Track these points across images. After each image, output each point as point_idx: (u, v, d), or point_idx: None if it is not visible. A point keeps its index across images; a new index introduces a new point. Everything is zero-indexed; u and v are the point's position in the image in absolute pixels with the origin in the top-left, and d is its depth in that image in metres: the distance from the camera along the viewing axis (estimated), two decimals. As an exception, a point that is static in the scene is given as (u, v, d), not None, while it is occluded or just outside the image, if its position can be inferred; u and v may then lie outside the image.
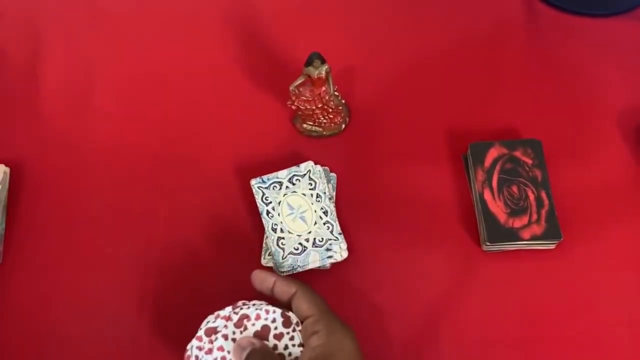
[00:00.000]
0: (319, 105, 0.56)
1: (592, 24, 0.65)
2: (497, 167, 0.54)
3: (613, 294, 0.52)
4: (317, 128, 0.59)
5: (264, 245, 0.54)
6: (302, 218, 0.54)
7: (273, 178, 0.55)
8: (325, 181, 0.55)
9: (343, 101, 0.59)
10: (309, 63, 0.52)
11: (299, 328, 0.44)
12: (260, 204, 0.54)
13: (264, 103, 0.62)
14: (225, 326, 0.44)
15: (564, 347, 0.50)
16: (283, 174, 0.55)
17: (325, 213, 0.54)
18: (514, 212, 0.52)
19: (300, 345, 0.43)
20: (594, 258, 0.53)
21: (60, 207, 0.58)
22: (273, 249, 0.53)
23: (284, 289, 0.44)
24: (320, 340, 0.41)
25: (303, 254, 0.52)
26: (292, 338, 0.43)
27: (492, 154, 0.55)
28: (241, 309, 0.45)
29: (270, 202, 0.54)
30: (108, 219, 0.57)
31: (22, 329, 0.53)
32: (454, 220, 0.55)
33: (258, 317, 0.44)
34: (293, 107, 0.57)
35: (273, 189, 0.55)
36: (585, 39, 0.65)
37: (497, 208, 0.53)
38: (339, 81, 0.59)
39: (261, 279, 0.46)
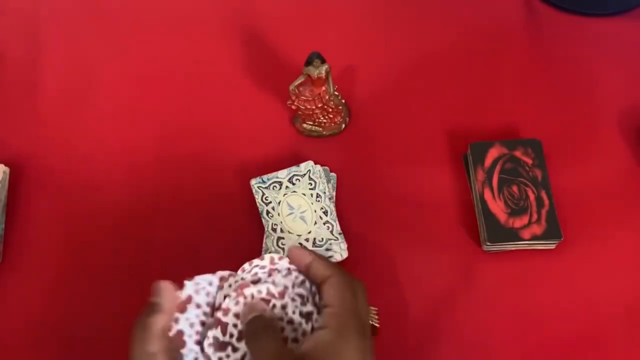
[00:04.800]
0: (319, 105, 0.56)
1: (592, 24, 0.65)
2: (498, 167, 0.54)
3: (613, 294, 0.52)
4: (317, 128, 0.59)
5: (264, 245, 0.54)
6: (302, 218, 0.54)
7: (273, 178, 0.55)
8: (325, 181, 0.55)
9: (343, 101, 0.59)
10: (309, 63, 0.52)
11: None
12: (260, 204, 0.54)
13: (264, 103, 0.62)
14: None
15: (564, 347, 0.50)
16: (283, 174, 0.55)
17: (325, 213, 0.54)
18: (514, 212, 0.52)
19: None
20: (594, 258, 0.53)
21: (60, 207, 0.58)
22: (273, 249, 0.53)
23: (319, 272, 0.41)
24: (326, 337, 0.38)
25: (303, 254, 0.52)
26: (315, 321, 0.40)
27: (492, 154, 0.55)
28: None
29: (270, 202, 0.54)
30: (108, 219, 0.57)
31: (22, 329, 0.53)
32: (454, 220, 0.55)
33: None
34: (293, 107, 0.57)
35: (273, 188, 0.55)
36: (585, 39, 0.65)
37: (498, 208, 0.53)
38: (339, 81, 0.59)
39: (297, 255, 0.42)
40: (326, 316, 0.39)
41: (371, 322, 0.42)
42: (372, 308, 0.43)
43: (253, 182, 0.55)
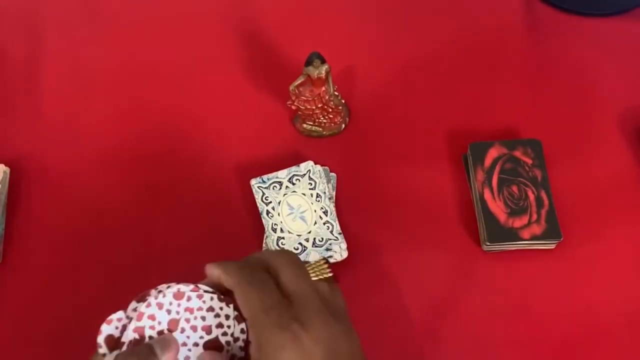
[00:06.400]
0: (319, 105, 0.56)
1: (592, 24, 0.65)
2: (497, 167, 0.54)
3: (613, 294, 0.52)
4: (317, 128, 0.59)
5: (264, 245, 0.54)
6: (302, 218, 0.54)
7: (273, 178, 0.55)
8: (325, 181, 0.55)
9: (343, 101, 0.59)
10: (308, 63, 0.52)
11: None
12: (260, 204, 0.54)
13: (264, 103, 0.62)
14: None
15: (564, 347, 0.50)
16: (283, 174, 0.55)
17: (325, 213, 0.54)
18: (514, 212, 0.52)
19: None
20: (594, 258, 0.53)
21: (60, 207, 0.58)
22: (273, 249, 0.53)
23: (227, 285, 0.39)
24: (254, 355, 0.35)
25: (303, 254, 0.52)
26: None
27: (492, 154, 0.55)
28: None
29: (270, 202, 0.54)
30: (108, 219, 0.57)
31: (22, 329, 0.53)
32: (454, 220, 0.55)
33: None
34: (293, 107, 0.57)
35: (273, 188, 0.55)
36: (585, 39, 0.65)
37: (497, 208, 0.53)
38: (339, 81, 0.59)
39: (210, 275, 0.40)
40: (248, 331, 0.37)
41: (323, 277, 0.40)
42: (318, 262, 0.41)
43: (253, 182, 0.55)
